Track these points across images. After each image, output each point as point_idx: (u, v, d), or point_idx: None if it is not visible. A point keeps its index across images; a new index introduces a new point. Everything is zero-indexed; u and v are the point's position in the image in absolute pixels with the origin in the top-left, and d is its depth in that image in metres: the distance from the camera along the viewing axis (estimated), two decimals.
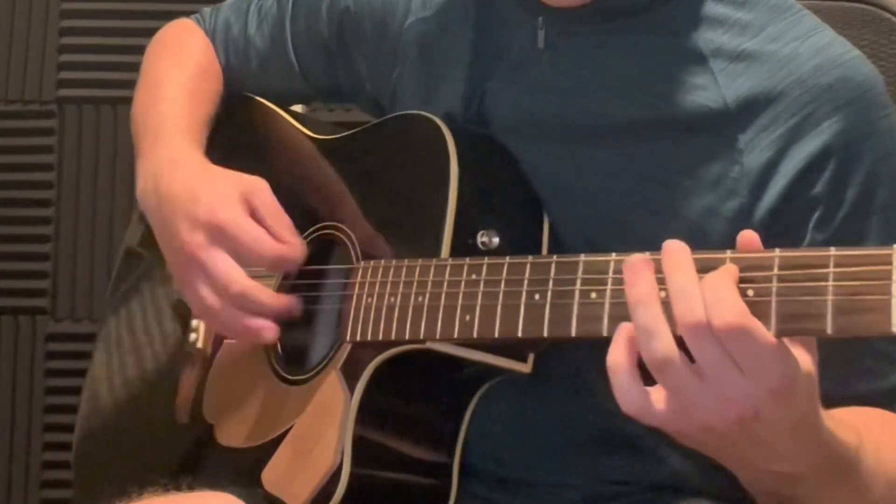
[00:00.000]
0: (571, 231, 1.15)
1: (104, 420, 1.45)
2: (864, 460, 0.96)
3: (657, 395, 0.89)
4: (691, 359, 0.88)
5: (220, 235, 1.21)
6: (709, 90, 1.12)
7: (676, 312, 0.86)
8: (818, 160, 1.09)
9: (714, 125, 1.12)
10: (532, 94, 1.19)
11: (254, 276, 1.33)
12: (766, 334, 0.85)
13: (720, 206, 1.11)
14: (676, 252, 0.89)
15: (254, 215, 1.22)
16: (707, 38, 1.14)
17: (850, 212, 1.09)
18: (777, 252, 0.88)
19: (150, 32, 1.56)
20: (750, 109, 1.11)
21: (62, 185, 2.15)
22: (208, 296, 1.22)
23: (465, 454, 1.19)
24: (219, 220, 1.21)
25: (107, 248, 2.15)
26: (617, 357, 0.90)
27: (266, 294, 1.21)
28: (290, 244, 1.22)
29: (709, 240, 1.10)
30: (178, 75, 1.42)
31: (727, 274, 0.87)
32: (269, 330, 1.20)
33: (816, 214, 1.09)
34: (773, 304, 0.86)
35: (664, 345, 0.87)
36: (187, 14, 1.55)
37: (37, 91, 2.15)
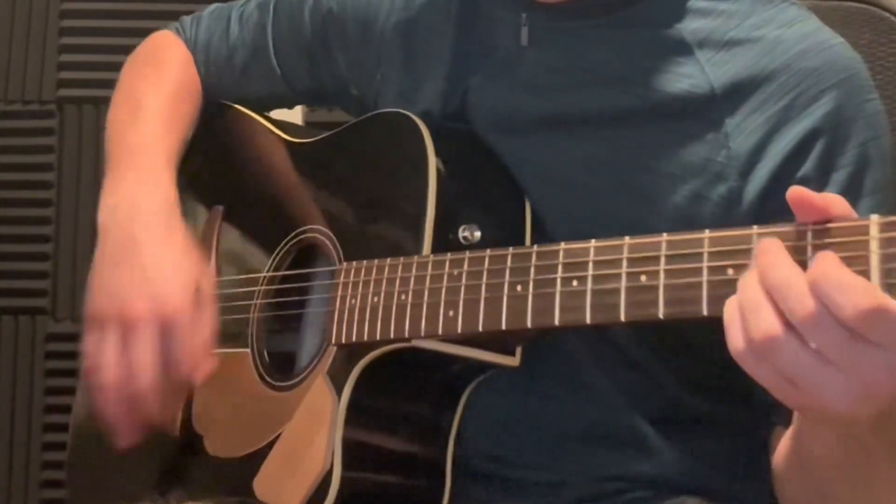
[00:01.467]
0: (561, 224, 1.15)
1: (95, 432, 1.44)
2: None
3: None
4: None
5: (163, 321, 1.21)
6: (695, 77, 1.12)
7: (787, 308, 0.82)
8: (806, 141, 1.09)
9: (700, 110, 1.12)
10: (516, 92, 1.19)
11: (239, 277, 1.33)
12: None
13: (708, 191, 1.11)
14: (771, 249, 0.85)
15: (197, 307, 1.24)
16: (692, 28, 1.14)
17: (839, 194, 1.07)
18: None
19: (150, 33, 1.56)
20: (737, 93, 1.11)
21: (62, 185, 2.14)
22: (110, 360, 1.22)
23: (460, 451, 1.18)
24: (169, 309, 1.21)
25: None
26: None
27: (155, 406, 1.22)
28: (206, 362, 1.23)
29: (697, 225, 1.08)
30: (158, 96, 1.41)
31: (831, 258, 0.82)
32: (128, 436, 1.24)
33: None
34: None
35: (770, 317, 0.82)
36: (186, 14, 1.55)
37: (37, 91, 2.14)
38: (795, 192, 0.85)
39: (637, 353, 1.15)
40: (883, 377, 0.81)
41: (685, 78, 1.13)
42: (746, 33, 1.13)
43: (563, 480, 1.19)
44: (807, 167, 1.09)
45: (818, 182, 1.08)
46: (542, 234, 1.15)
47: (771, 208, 1.08)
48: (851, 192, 1.08)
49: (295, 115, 1.89)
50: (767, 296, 0.82)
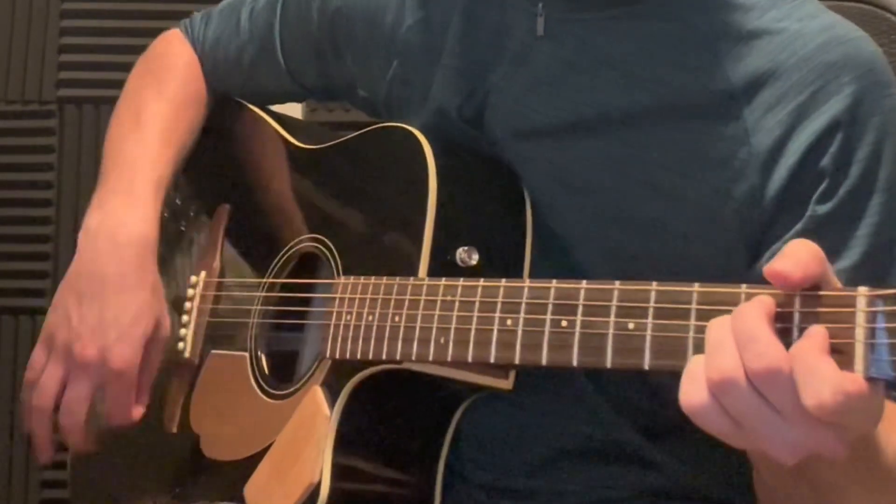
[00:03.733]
0: (583, 226, 1.15)
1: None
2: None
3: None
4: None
5: (106, 375, 1.27)
6: (714, 73, 1.11)
7: (746, 357, 0.82)
8: (825, 135, 1.08)
9: (720, 107, 1.11)
10: (534, 90, 1.18)
11: (241, 280, 1.34)
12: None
13: (730, 189, 1.10)
14: (751, 303, 0.85)
15: (145, 351, 1.29)
16: (711, 21, 1.13)
17: (853, 188, 1.08)
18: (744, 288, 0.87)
19: (150, 32, 1.55)
20: (756, 88, 1.10)
21: (62, 185, 2.14)
22: (47, 388, 1.28)
23: (461, 463, 1.19)
24: (114, 365, 1.27)
25: None
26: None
27: (74, 439, 1.29)
28: (137, 409, 1.30)
29: (720, 224, 1.10)
30: (158, 107, 1.42)
31: (819, 338, 0.82)
32: (44, 455, 1.31)
33: (821, 188, 1.08)
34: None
35: (731, 360, 0.82)
36: (186, 14, 1.54)
37: (37, 91, 2.14)
38: (770, 270, 0.84)
39: None
40: (834, 446, 0.82)
41: (704, 73, 1.11)
42: (766, 26, 1.11)
43: (564, 489, 1.19)
44: (825, 161, 1.07)
45: (834, 174, 1.07)
46: (561, 241, 1.15)
47: (789, 202, 1.08)
48: (865, 187, 1.08)
49: (295, 114, 1.88)
50: (733, 338, 0.83)
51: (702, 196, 1.11)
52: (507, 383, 1.12)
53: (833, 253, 1.05)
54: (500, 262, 1.13)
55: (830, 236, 1.05)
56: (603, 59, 1.15)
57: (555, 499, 1.19)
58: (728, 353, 0.82)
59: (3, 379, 2.14)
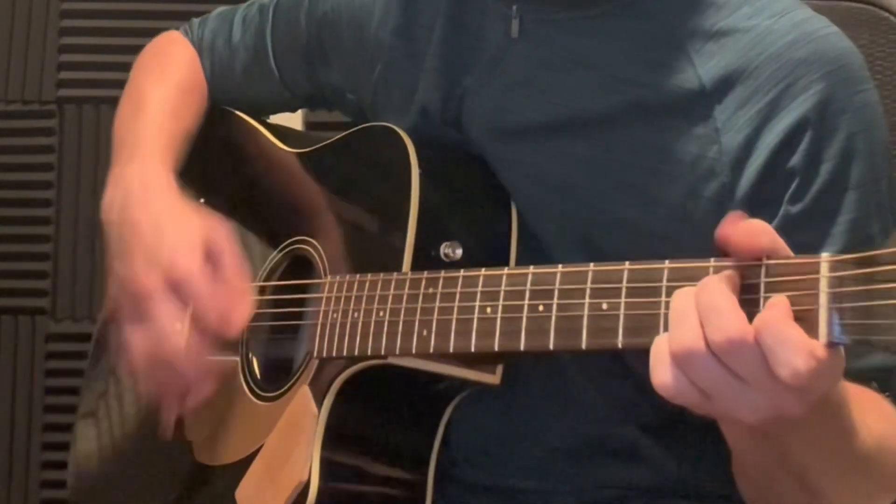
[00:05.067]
0: (566, 229, 1.15)
1: (96, 440, 1.46)
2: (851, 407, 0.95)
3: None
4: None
5: (176, 286, 1.19)
6: (685, 72, 1.11)
7: (708, 329, 0.83)
8: (794, 133, 1.07)
9: (691, 106, 1.10)
10: (509, 92, 1.18)
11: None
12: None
13: (701, 188, 1.10)
14: (714, 276, 0.86)
15: (212, 261, 1.20)
16: (683, 19, 1.13)
17: (825, 185, 1.07)
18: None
19: (150, 32, 1.56)
20: (726, 87, 1.10)
21: (62, 185, 2.14)
22: (138, 340, 1.20)
23: (454, 463, 1.19)
24: (178, 273, 1.19)
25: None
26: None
27: (190, 365, 1.19)
28: (239, 307, 1.19)
29: (693, 223, 1.10)
30: (162, 91, 1.41)
31: (781, 307, 0.83)
32: (174, 410, 1.23)
33: (792, 187, 1.07)
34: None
35: (692, 332, 0.83)
36: (186, 14, 1.55)
37: (37, 91, 2.14)
38: (721, 235, 0.85)
39: (626, 362, 1.14)
40: (796, 407, 0.83)
41: (675, 73, 1.11)
42: (736, 23, 1.11)
43: (557, 489, 1.19)
44: (795, 159, 1.07)
45: (804, 173, 1.07)
46: (540, 240, 1.15)
47: (761, 201, 1.07)
48: (836, 185, 1.07)
49: (295, 113, 1.88)
50: (696, 311, 0.83)
51: (674, 196, 1.11)
52: (494, 378, 1.12)
53: (809, 252, 1.05)
54: (486, 255, 1.12)
55: (805, 235, 1.04)
56: (576, 60, 1.15)
57: (549, 498, 1.19)
58: (689, 325, 0.83)
59: (3, 379, 2.14)
